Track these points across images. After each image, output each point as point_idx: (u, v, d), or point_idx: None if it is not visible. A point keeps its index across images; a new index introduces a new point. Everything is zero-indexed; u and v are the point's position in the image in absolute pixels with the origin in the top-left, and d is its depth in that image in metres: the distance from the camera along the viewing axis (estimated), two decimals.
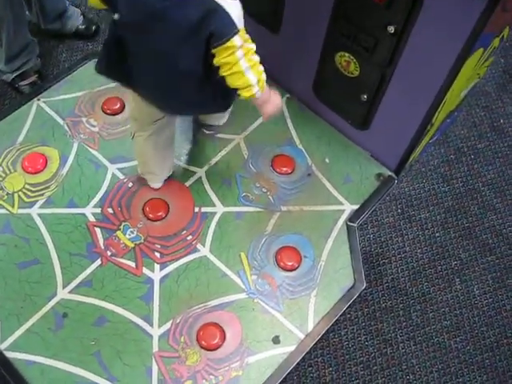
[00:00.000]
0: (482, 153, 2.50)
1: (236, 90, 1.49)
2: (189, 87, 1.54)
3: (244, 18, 1.45)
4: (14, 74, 2.55)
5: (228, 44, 1.37)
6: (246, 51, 1.41)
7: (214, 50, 1.39)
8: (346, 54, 1.87)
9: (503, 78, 2.73)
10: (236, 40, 1.37)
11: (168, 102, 1.64)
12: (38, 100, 2.17)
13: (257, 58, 1.45)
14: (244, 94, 1.48)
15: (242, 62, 1.41)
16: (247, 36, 1.42)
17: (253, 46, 1.44)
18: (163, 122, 1.77)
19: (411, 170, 2.35)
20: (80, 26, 2.71)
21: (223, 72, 1.43)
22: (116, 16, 1.43)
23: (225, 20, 1.36)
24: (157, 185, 1.98)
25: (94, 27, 2.74)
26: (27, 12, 2.53)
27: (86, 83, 2.21)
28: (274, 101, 1.61)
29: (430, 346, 2.02)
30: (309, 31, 1.95)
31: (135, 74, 1.58)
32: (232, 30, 1.37)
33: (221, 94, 1.60)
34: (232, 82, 1.45)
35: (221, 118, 2.11)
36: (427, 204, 2.31)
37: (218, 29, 1.36)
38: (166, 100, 1.62)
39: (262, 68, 1.48)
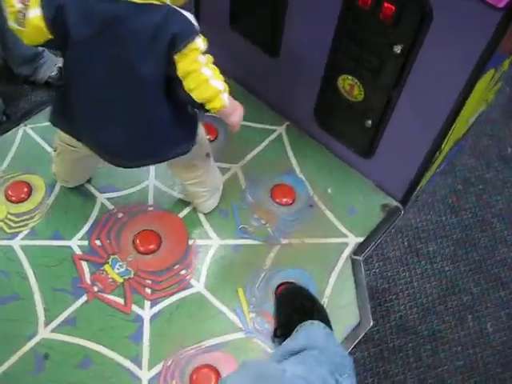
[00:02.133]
0: (491, 183, 2.45)
1: (202, 107, 1.43)
2: (150, 102, 1.46)
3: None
4: None
5: (192, 45, 1.34)
6: (207, 59, 1.38)
7: (177, 56, 1.35)
8: (350, 77, 1.81)
9: (509, 106, 2.71)
10: (199, 42, 1.36)
11: (127, 143, 1.54)
12: (25, 126, 2.11)
13: (216, 67, 1.42)
14: (214, 105, 1.41)
15: (204, 70, 1.37)
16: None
17: (211, 56, 1.40)
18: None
19: (418, 200, 2.30)
20: (53, 75, 2.49)
21: (189, 85, 1.38)
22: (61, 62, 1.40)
23: (186, 22, 1.36)
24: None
25: None
26: None
27: None
28: (240, 109, 1.53)
29: None
30: (310, 53, 1.90)
31: (91, 113, 1.50)
32: (194, 31, 1.36)
33: (183, 118, 1.56)
34: (200, 95, 1.40)
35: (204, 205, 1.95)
36: (435, 236, 2.25)
37: (181, 30, 1.34)
38: (125, 140, 1.53)
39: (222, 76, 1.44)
